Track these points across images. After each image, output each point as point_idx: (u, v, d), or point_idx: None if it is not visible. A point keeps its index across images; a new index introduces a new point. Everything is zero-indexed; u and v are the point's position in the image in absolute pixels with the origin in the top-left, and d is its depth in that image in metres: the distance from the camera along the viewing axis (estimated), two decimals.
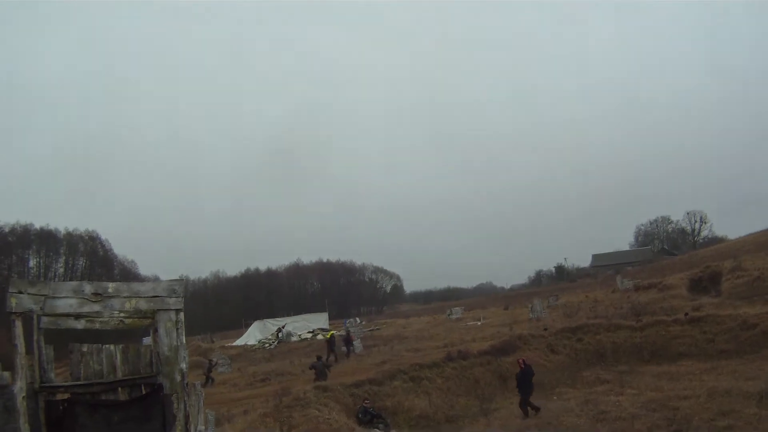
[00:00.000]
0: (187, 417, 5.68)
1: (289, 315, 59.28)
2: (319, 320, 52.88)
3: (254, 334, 51.36)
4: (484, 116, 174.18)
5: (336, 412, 15.81)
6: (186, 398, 5.70)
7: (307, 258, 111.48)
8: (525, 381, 17.56)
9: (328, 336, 32.89)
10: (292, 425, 15.12)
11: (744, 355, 22.04)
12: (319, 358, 24.71)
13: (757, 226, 67.02)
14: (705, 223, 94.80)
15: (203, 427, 6.77)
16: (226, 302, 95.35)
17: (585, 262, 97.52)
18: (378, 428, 14.93)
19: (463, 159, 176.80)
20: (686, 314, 27.96)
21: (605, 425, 15.74)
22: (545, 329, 28.70)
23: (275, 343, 45.80)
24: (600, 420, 16.23)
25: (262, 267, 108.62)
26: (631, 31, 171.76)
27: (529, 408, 17.47)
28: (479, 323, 40.97)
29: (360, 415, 16.19)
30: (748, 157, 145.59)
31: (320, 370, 22.12)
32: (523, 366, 17.98)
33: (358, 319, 57.79)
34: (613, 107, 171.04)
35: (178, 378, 5.67)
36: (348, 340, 31.93)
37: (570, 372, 23.62)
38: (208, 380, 28.62)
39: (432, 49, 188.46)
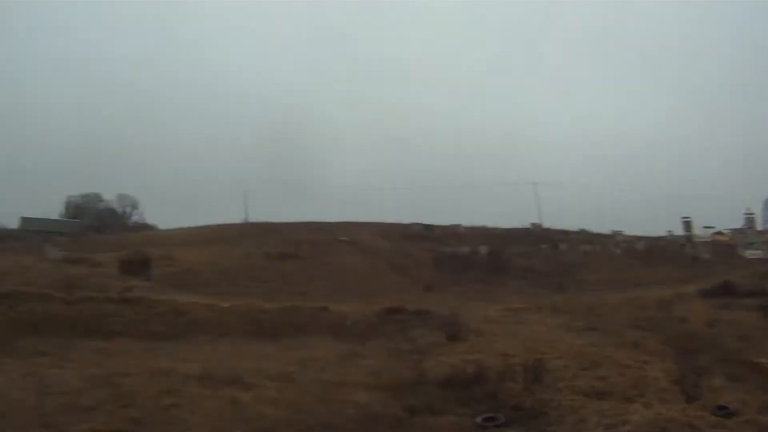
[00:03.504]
0: None
1: None
2: None
3: None
4: None
5: None
6: None
7: None
8: None
9: None
10: None
11: (178, 339, 24.37)
12: None
13: (188, 222, 73.84)
14: (137, 208, 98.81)
15: None
16: None
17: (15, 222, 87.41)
18: None
19: None
20: (121, 294, 29.22)
21: (52, 399, 15.26)
22: None
23: None
24: (46, 394, 15.60)
25: None
26: None
27: None
28: None
29: None
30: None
31: None
32: None
33: None
34: None
35: None
36: None
37: (5, 341, 21.46)
38: None
39: None
